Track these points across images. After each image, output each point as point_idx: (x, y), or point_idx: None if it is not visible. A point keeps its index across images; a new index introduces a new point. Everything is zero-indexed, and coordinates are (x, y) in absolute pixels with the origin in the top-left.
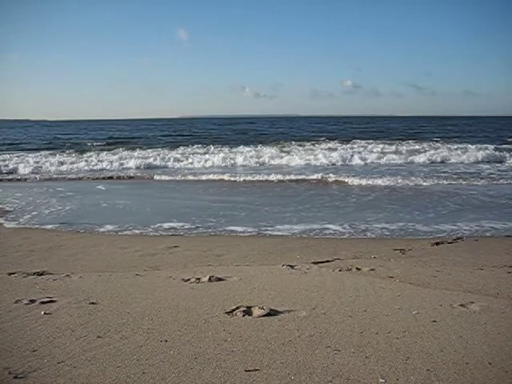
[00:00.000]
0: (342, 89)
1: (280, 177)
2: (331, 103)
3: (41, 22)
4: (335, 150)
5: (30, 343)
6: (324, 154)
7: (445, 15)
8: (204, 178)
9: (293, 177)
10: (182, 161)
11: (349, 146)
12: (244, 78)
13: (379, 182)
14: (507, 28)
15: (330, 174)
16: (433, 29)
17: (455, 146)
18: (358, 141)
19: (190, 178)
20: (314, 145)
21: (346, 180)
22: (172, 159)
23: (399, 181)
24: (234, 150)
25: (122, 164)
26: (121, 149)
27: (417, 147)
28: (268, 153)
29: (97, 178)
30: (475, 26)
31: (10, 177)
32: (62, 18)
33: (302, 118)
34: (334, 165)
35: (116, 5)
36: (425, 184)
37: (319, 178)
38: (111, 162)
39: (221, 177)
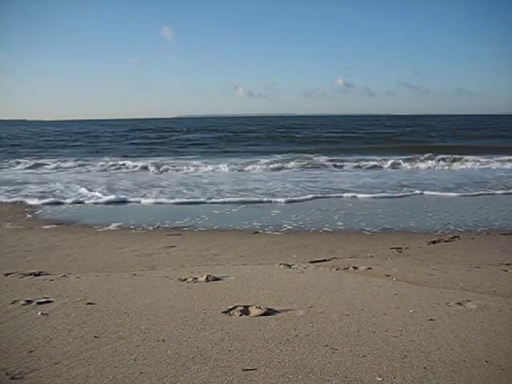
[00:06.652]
0: (335, 88)
1: None
2: (325, 102)
3: (33, 22)
4: None
5: (27, 344)
6: None
7: (440, 13)
8: None
9: None
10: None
11: None
12: (237, 77)
13: None
14: (501, 27)
15: None
16: (428, 28)
17: None
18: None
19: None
20: None
21: None
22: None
23: None
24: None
25: None
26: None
27: None
28: None
29: None
30: (472, 25)
31: None
32: (59, 18)
33: (297, 117)
34: None
35: (113, 5)
36: None
37: None
38: None
39: None
